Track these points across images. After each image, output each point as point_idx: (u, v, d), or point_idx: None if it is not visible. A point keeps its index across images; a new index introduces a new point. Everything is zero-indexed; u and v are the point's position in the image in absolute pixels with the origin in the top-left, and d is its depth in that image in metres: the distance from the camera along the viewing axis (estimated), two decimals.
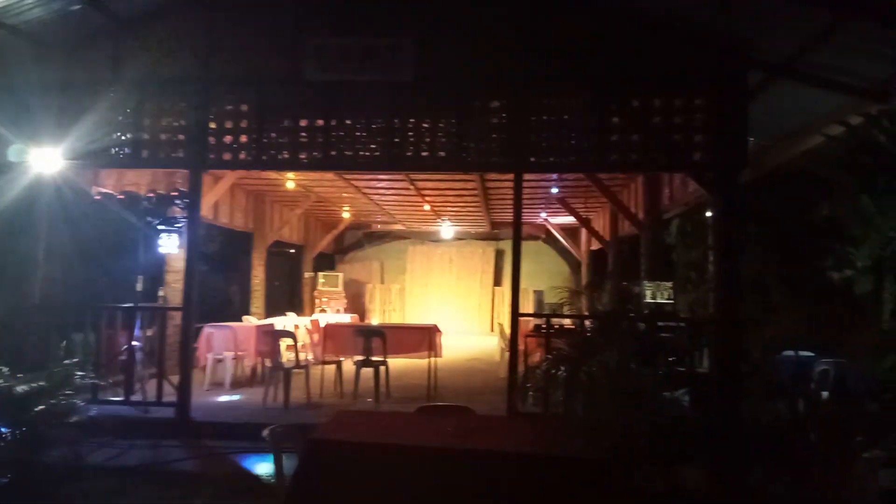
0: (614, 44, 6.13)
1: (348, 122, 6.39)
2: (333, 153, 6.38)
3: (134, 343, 6.91)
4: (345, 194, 13.08)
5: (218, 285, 13.47)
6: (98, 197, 7.42)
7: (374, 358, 7.41)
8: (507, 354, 9.93)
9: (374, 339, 7.41)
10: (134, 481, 4.99)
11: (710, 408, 5.44)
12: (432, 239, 18.55)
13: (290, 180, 10.98)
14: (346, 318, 12.09)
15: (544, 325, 7.80)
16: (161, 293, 9.21)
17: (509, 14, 6.27)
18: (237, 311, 12.73)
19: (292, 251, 16.77)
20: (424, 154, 6.33)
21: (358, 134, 6.38)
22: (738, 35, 5.84)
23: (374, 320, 16.40)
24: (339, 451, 2.97)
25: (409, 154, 6.35)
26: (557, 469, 2.92)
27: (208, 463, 5.50)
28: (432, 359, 7.98)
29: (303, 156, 6.40)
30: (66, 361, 5.01)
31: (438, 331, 8.03)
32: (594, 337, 5.39)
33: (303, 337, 9.54)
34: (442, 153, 6.32)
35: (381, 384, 7.44)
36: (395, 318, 18.11)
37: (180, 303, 7.99)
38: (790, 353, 6.79)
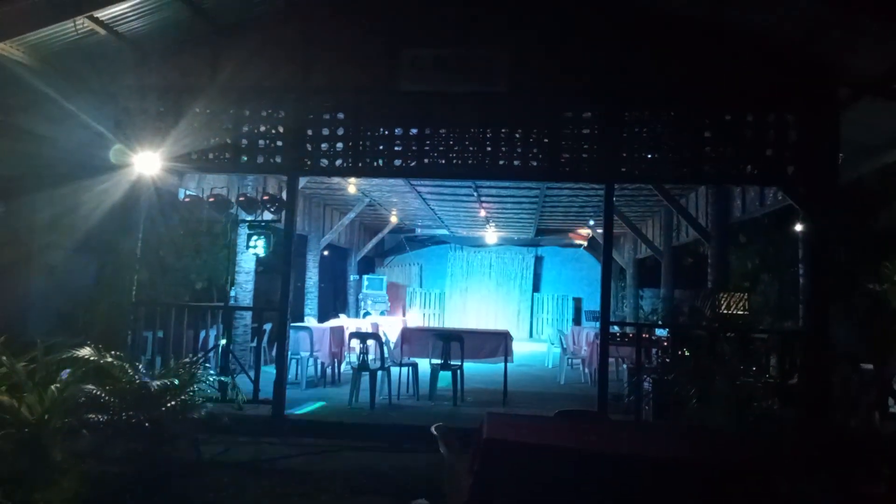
0: (708, 60, 6.25)
1: (442, 131, 6.55)
2: (427, 161, 6.54)
3: (222, 341, 7.13)
4: (395, 199, 13.27)
5: (268, 287, 13.68)
6: (187, 199, 7.63)
7: (453, 362, 7.56)
8: (566, 360, 10.12)
9: (452, 344, 7.56)
10: (249, 476, 5.16)
11: (806, 418, 5.53)
12: (473, 244, 18.70)
13: (352, 185, 11.16)
14: (397, 321, 12.24)
15: (618, 335, 7.97)
16: (232, 293, 9.42)
17: (603, 27, 6.41)
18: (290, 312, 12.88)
19: (325, 253, 16.94)
20: (516, 163, 6.48)
21: (451, 143, 6.54)
22: (828, 54, 5.92)
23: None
24: (514, 451, 3.12)
25: (501, 163, 6.49)
26: (728, 477, 3.06)
27: (318, 459, 5.64)
28: (502, 364, 8.10)
29: (397, 163, 6.56)
30: (188, 359, 5.17)
31: (511, 337, 8.16)
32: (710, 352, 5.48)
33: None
34: (534, 163, 6.46)
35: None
36: (433, 322, 18.27)
37: (250, 303, 8.28)
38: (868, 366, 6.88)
